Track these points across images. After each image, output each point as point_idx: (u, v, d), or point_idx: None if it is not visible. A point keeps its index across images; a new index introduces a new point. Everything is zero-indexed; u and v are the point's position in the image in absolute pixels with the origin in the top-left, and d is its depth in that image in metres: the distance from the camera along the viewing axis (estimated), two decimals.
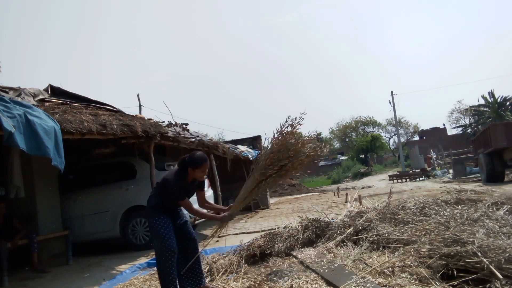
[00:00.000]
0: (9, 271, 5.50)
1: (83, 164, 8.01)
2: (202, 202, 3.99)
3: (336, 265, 3.81)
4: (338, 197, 15.00)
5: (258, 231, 7.69)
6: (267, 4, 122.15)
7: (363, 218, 5.02)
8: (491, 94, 37.34)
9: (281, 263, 4.39)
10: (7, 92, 6.26)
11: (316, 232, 5.02)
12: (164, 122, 8.52)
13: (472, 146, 18.87)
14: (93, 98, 7.78)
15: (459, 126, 45.93)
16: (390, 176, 28.27)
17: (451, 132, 46.73)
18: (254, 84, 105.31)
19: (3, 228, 5.89)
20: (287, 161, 3.99)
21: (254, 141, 15.21)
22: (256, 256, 4.68)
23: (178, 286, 3.65)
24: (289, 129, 4.05)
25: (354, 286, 3.20)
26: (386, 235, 4.32)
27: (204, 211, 4.02)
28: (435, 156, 30.62)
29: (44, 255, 7.03)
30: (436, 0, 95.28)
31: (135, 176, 7.61)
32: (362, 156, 49.53)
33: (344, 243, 4.54)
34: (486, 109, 38.25)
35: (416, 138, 50.53)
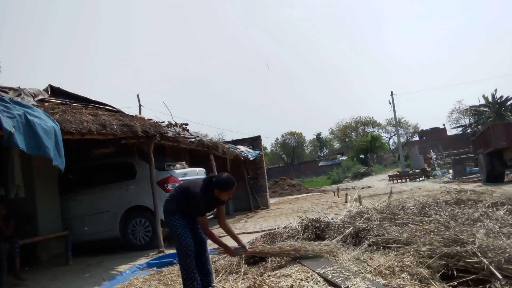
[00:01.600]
0: (10, 271, 5.49)
1: (83, 164, 8.01)
2: (222, 218, 3.99)
3: (336, 265, 3.81)
4: (338, 197, 15.01)
5: (258, 231, 7.69)
6: (266, 3, 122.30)
7: (363, 218, 5.01)
8: (493, 95, 37.34)
9: (281, 263, 4.38)
10: (7, 92, 6.26)
11: (316, 232, 5.01)
12: (164, 122, 8.52)
13: (472, 146, 18.87)
14: (93, 98, 7.79)
15: (459, 126, 45.99)
16: (390, 176, 28.29)
17: (451, 132, 46.80)
18: (253, 84, 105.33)
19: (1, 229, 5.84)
20: None
21: (254, 141, 15.21)
22: (256, 256, 4.67)
23: (196, 284, 3.67)
24: None
25: (355, 286, 3.20)
26: (386, 235, 4.32)
27: (217, 237, 3.91)
28: (435, 156, 30.62)
29: (44, 255, 7.03)
30: (437, 0, 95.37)
31: (135, 176, 7.61)
32: (362, 156, 49.56)
33: (344, 244, 4.54)
34: (486, 109, 38.27)
35: (416, 138, 50.52)
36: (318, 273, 3.68)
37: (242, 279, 3.98)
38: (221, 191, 3.66)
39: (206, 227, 3.75)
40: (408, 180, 24.77)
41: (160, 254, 6.37)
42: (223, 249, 3.92)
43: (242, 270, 4.23)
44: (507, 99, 37.06)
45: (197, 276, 3.68)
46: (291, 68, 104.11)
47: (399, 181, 25.30)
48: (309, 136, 70.11)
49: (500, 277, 2.87)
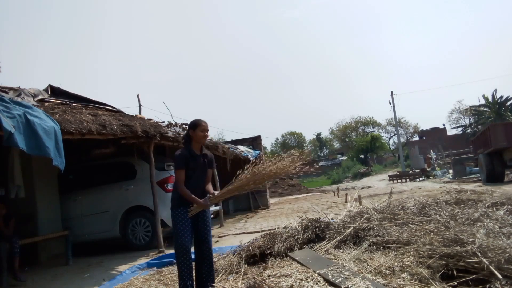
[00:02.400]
0: (10, 271, 5.49)
1: (83, 164, 8.01)
2: (208, 182, 3.96)
3: (336, 265, 3.81)
4: (338, 197, 15.02)
5: (258, 231, 7.68)
6: (266, 3, 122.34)
7: (363, 219, 5.01)
8: (493, 95, 37.34)
9: (281, 264, 4.39)
10: (7, 92, 6.26)
11: (316, 232, 5.00)
12: (164, 122, 8.52)
13: (472, 146, 18.88)
14: (93, 98, 7.79)
15: (459, 126, 46.03)
16: (390, 176, 28.31)
17: (451, 132, 46.87)
18: (253, 84, 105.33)
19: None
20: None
21: (254, 141, 15.21)
22: (256, 257, 4.66)
23: (190, 284, 3.66)
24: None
25: (355, 286, 3.20)
26: (386, 235, 4.32)
27: (190, 193, 3.71)
28: (435, 156, 30.63)
29: (44, 255, 7.03)
30: (437, 1, 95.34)
31: (135, 176, 7.61)
32: (362, 156, 49.57)
33: (344, 244, 4.54)
34: (486, 109, 38.28)
35: (416, 138, 50.55)
36: (318, 273, 3.68)
37: (242, 279, 3.98)
38: (194, 129, 3.75)
39: (180, 183, 3.65)
40: (408, 180, 24.78)
41: (160, 254, 6.37)
42: (196, 205, 3.71)
43: (242, 270, 4.23)
44: (507, 99, 37.09)
45: (190, 275, 3.66)
46: (291, 68, 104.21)
47: (399, 181, 25.31)
48: (309, 136, 70.21)
49: (500, 277, 2.87)
